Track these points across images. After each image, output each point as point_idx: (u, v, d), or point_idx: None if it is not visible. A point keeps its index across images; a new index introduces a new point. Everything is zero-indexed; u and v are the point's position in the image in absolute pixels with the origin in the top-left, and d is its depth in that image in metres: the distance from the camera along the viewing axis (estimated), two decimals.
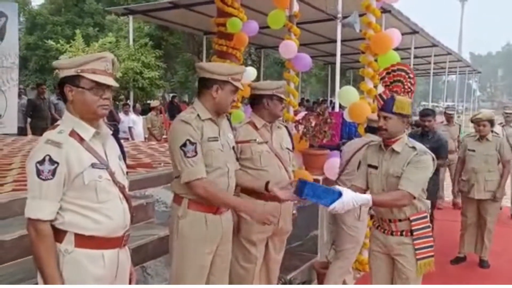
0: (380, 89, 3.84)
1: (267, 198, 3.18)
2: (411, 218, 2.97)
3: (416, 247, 2.97)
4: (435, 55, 18.24)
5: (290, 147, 3.50)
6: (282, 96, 3.30)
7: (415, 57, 16.22)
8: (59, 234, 1.95)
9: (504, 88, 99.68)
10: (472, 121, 5.48)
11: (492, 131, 5.42)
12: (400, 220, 3.00)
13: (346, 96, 4.71)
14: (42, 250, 1.90)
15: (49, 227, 1.92)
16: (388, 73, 4.02)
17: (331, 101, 19.60)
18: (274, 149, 3.31)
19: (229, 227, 2.89)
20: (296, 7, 5.52)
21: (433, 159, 2.96)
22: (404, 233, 3.00)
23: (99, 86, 2.02)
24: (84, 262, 1.98)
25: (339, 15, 8.70)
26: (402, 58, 4.65)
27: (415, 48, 15.02)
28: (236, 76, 2.76)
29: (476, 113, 5.56)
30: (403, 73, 4.12)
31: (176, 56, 22.22)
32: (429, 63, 19.24)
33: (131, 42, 14.22)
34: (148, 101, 16.53)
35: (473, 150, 5.36)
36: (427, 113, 5.60)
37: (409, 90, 3.91)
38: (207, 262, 2.74)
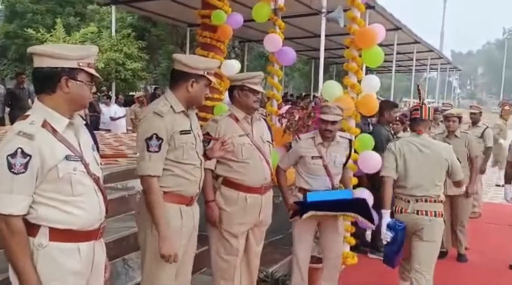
0: None
1: (248, 190, 3.21)
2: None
3: None
4: (417, 52, 18.43)
5: (270, 139, 3.52)
6: (254, 87, 3.24)
7: (398, 53, 16.35)
8: (32, 229, 1.91)
9: (484, 85, 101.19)
10: (443, 117, 5.71)
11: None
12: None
13: (330, 90, 4.71)
14: (15, 246, 1.85)
15: (21, 222, 1.87)
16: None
17: (314, 96, 19.66)
18: (255, 141, 3.31)
19: (198, 219, 2.91)
20: (281, 0, 5.50)
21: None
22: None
23: (92, 80, 2.01)
24: (59, 256, 1.94)
25: (324, 10, 8.71)
26: (385, 54, 4.67)
27: (398, 44, 15.15)
28: (212, 70, 2.77)
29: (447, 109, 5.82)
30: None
31: (159, 48, 22.00)
32: (411, 59, 19.44)
33: (113, 33, 14.02)
34: (131, 93, 16.38)
35: None
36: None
37: None
38: (180, 253, 2.73)
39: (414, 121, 3.85)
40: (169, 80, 2.82)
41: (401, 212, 3.74)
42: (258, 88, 3.28)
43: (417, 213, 3.67)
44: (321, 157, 3.68)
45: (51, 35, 13.88)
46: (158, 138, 2.59)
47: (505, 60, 45.64)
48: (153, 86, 23.58)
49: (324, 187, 3.71)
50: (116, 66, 13.19)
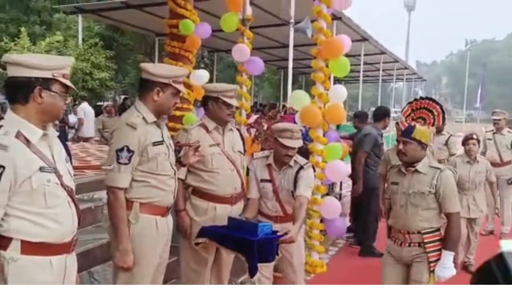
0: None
1: (218, 201, 3.21)
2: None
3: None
4: (383, 62, 18.81)
5: (242, 150, 3.50)
6: (228, 100, 3.21)
7: (365, 63, 16.65)
8: (3, 242, 1.86)
9: (448, 95, 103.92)
10: (463, 140, 5.46)
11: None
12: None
13: (297, 100, 4.76)
14: None
15: None
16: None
17: (283, 106, 19.81)
18: (226, 151, 3.30)
19: (171, 229, 2.91)
20: (249, 11, 5.55)
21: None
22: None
23: (67, 91, 1.99)
24: (31, 270, 1.90)
25: (292, 20, 8.81)
26: (352, 65, 4.77)
27: (364, 55, 15.44)
28: (178, 79, 2.74)
29: None
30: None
31: (128, 57, 21.78)
32: (378, 69, 19.81)
33: (80, 42, 13.83)
34: (99, 103, 16.13)
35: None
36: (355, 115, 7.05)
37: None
38: (157, 262, 2.75)
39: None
40: (137, 90, 2.81)
41: None
42: (233, 102, 3.27)
43: None
44: (271, 181, 3.44)
45: (15, 44, 13.61)
46: (129, 150, 2.58)
47: (468, 71, 47.07)
48: (122, 96, 23.28)
49: (274, 213, 3.45)
50: (83, 76, 13.00)
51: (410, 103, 5.21)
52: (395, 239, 3.35)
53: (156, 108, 2.71)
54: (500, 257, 1.11)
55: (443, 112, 4.99)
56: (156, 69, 2.75)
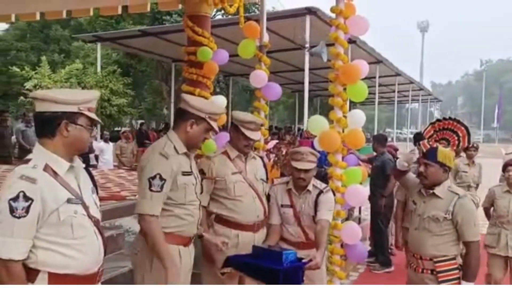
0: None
1: (240, 228, 3.20)
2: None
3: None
4: (398, 84, 18.82)
5: (265, 178, 3.51)
6: (246, 132, 3.18)
7: (380, 85, 16.69)
8: (31, 273, 1.88)
9: (464, 115, 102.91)
10: (503, 166, 5.00)
11: None
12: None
13: (316, 124, 4.76)
14: None
15: (21, 267, 1.85)
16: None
17: (298, 129, 19.84)
18: (248, 179, 3.30)
19: (193, 258, 2.90)
20: (266, 37, 5.60)
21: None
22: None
23: (92, 123, 2.04)
24: None
25: (307, 45, 8.90)
26: (368, 87, 4.77)
27: (379, 77, 15.49)
28: (214, 116, 2.77)
29: None
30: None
31: (144, 83, 22.15)
32: (393, 91, 19.81)
33: (99, 69, 14.11)
34: (116, 128, 16.34)
35: None
36: (375, 138, 6.94)
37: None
38: None
39: None
40: (174, 119, 2.85)
41: None
42: (252, 135, 3.24)
43: None
44: (291, 206, 3.43)
45: (36, 72, 13.90)
46: (162, 179, 2.59)
47: (484, 91, 46.83)
48: (139, 122, 23.57)
49: (297, 239, 3.42)
50: (101, 102, 13.22)
51: (432, 123, 4.98)
52: (411, 263, 3.25)
53: (187, 139, 2.73)
54: None
55: (468, 133, 4.79)
56: (195, 101, 2.78)
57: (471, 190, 6.08)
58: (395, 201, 6.00)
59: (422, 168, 3.17)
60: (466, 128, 4.72)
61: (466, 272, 3.05)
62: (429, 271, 3.10)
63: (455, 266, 3.09)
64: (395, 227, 5.57)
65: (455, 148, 4.23)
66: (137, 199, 2.67)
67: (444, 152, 3.20)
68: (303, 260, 3.01)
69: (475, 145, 5.06)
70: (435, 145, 3.38)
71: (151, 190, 2.59)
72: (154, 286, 2.67)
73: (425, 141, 3.99)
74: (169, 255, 2.59)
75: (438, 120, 5.05)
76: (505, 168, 4.78)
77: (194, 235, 2.85)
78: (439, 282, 3.05)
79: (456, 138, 4.57)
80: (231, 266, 3.04)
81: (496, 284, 4.69)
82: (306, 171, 3.39)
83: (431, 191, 3.15)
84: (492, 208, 4.78)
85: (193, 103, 2.73)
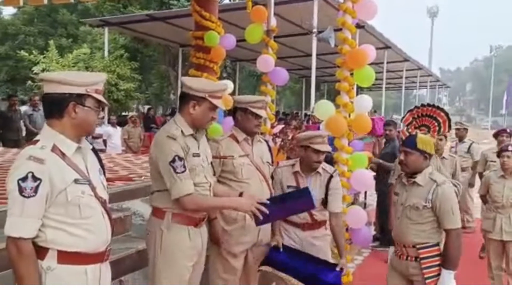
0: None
1: None
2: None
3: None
4: (406, 70, 18.69)
5: (270, 161, 3.54)
6: (257, 111, 3.25)
7: (388, 71, 16.59)
8: (41, 252, 1.93)
9: (472, 102, 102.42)
10: (498, 151, 5.03)
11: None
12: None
13: (322, 109, 4.78)
14: (24, 269, 1.87)
15: (31, 245, 1.90)
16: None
17: (305, 114, 19.81)
18: (255, 162, 3.34)
19: (206, 240, 2.93)
20: (273, 22, 5.59)
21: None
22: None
23: (100, 106, 2.06)
24: (67, 279, 1.96)
25: (314, 30, 8.86)
26: (375, 72, 4.76)
27: (387, 62, 15.39)
28: (215, 94, 2.76)
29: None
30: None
31: (152, 68, 22.15)
32: (401, 77, 19.69)
33: (106, 54, 14.12)
34: (123, 113, 16.38)
35: None
36: (388, 123, 6.63)
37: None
38: (188, 274, 2.76)
39: None
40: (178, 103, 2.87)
41: None
42: (261, 113, 3.30)
43: None
44: (297, 187, 3.42)
45: (44, 57, 13.94)
46: (180, 158, 2.62)
47: (493, 77, 46.37)
48: (146, 107, 23.62)
49: (302, 220, 3.45)
50: (109, 87, 13.26)
51: (410, 111, 4.91)
52: (396, 251, 3.25)
53: (193, 121, 2.75)
54: None
55: (449, 119, 4.65)
56: (193, 83, 2.79)
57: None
58: None
59: (402, 156, 3.13)
60: (446, 113, 4.61)
61: (445, 259, 3.01)
62: (413, 258, 3.09)
63: (438, 252, 3.07)
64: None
65: (435, 134, 4.16)
66: (168, 188, 2.64)
67: (424, 139, 3.13)
68: (337, 269, 3.19)
69: (510, 148, 4.85)
70: (414, 132, 3.31)
71: (177, 173, 2.60)
72: (160, 287, 2.71)
73: (404, 128, 3.89)
74: (226, 201, 2.88)
75: (416, 107, 4.97)
76: (499, 153, 4.76)
77: (204, 216, 2.86)
78: (422, 269, 3.04)
79: (436, 124, 4.49)
80: (271, 266, 3.19)
81: (495, 270, 4.77)
82: (324, 153, 3.42)
83: (412, 180, 3.11)
84: (487, 194, 4.81)
85: (191, 85, 2.73)
